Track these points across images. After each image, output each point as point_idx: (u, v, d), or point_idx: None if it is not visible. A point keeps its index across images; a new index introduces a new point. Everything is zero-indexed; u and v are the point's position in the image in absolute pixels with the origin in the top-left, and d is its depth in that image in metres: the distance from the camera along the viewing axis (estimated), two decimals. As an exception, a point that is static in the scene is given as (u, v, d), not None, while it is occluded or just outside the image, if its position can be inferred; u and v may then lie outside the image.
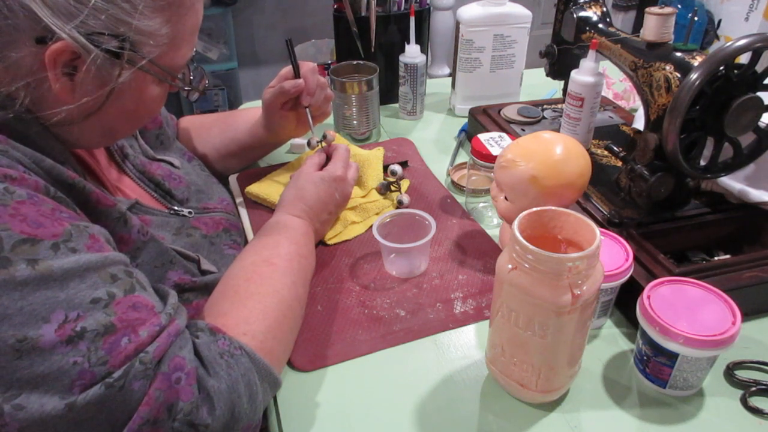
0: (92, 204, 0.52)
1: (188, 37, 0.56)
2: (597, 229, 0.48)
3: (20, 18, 0.46)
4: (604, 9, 0.87)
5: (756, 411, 0.55)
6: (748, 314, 0.64)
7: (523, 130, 0.98)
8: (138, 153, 0.72)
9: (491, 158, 0.76)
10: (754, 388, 0.57)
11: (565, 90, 0.93)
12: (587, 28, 0.86)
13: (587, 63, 0.82)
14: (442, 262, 0.75)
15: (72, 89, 0.50)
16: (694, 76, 0.61)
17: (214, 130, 0.94)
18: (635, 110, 1.10)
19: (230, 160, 0.94)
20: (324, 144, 0.83)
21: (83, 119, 0.53)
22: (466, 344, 0.64)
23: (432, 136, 1.09)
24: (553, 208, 0.52)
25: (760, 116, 0.65)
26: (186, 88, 0.61)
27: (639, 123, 0.96)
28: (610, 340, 0.64)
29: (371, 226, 0.76)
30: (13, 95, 0.49)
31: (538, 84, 1.26)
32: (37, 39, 0.46)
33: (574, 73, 0.84)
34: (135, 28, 0.50)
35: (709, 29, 2.05)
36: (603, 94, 1.01)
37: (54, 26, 0.46)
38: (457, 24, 1.07)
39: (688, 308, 0.55)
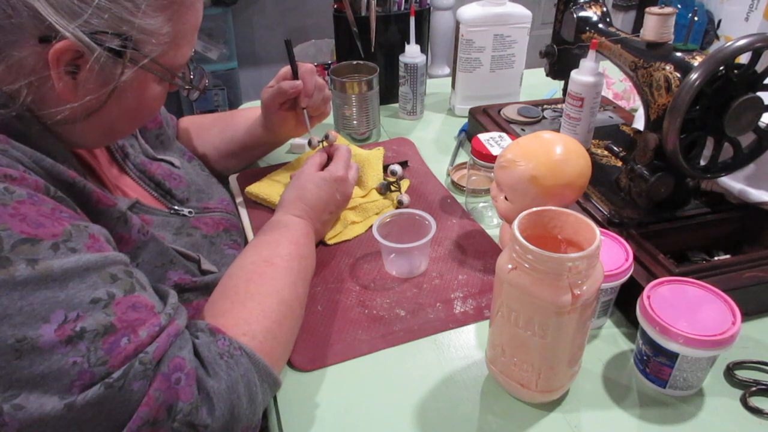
0: (92, 203, 0.52)
1: (189, 36, 0.56)
2: (597, 229, 0.48)
3: (24, 17, 0.46)
4: (604, 9, 0.87)
5: (756, 411, 0.55)
6: (748, 314, 0.64)
7: (523, 130, 0.98)
8: (138, 152, 0.72)
9: (491, 158, 0.76)
10: (754, 388, 0.57)
11: (565, 90, 0.93)
12: (587, 28, 0.86)
13: (587, 63, 0.82)
14: (442, 262, 0.75)
15: (74, 88, 0.50)
16: (694, 76, 0.61)
17: (214, 130, 0.94)
18: (635, 110, 1.10)
19: (230, 160, 0.94)
20: (325, 144, 0.83)
21: (84, 118, 0.53)
22: (466, 344, 0.64)
23: (432, 136, 1.09)
24: (553, 208, 0.52)
25: (760, 116, 0.65)
26: (186, 87, 0.61)
27: (639, 123, 0.96)
28: (610, 340, 0.64)
29: (371, 226, 0.76)
30: (14, 94, 0.49)
31: (538, 84, 1.26)
32: (40, 38, 0.47)
33: (574, 73, 0.84)
34: (137, 27, 0.50)
35: (709, 29, 2.06)
36: (603, 94, 1.01)
37: (57, 25, 0.46)
38: (457, 24, 1.07)
39: (688, 308, 0.55)
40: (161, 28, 0.52)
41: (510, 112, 1.02)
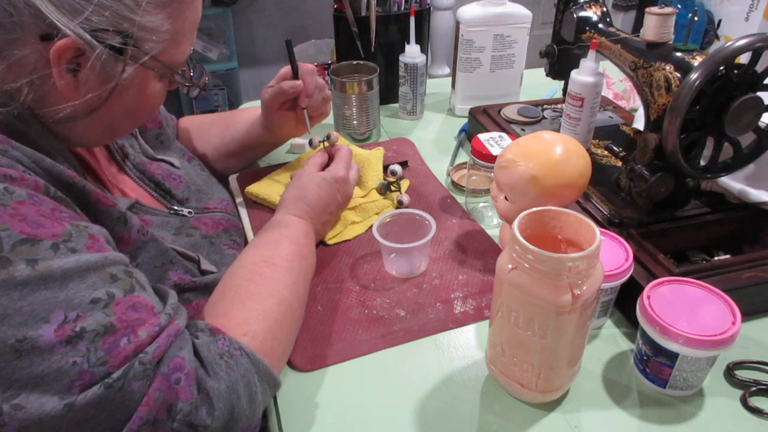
0: (92, 204, 0.52)
1: (188, 33, 0.56)
2: (597, 229, 0.48)
3: (25, 15, 0.46)
4: (604, 9, 0.87)
5: (756, 411, 0.55)
6: (748, 314, 0.64)
7: (523, 130, 0.98)
8: (138, 153, 0.72)
9: (491, 158, 0.76)
10: (754, 388, 0.57)
11: (565, 90, 0.93)
12: (587, 28, 0.86)
13: (587, 63, 0.82)
14: (442, 262, 0.75)
15: (75, 86, 0.50)
16: (694, 76, 0.61)
17: (214, 130, 0.94)
18: (635, 110, 1.10)
19: (230, 160, 0.94)
20: (327, 144, 0.83)
21: (85, 116, 0.53)
22: (466, 344, 0.64)
23: (432, 136, 1.09)
24: (553, 208, 0.52)
25: (760, 116, 0.65)
26: (186, 85, 0.61)
27: (639, 123, 0.96)
28: (610, 340, 0.64)
29: (371, 226, 0.76)
30: (15, 93, 0.49)
31: (538, 84, 1.26)
32: (41, 36, 0.47)
33: (574, 73, 0.84)
34: (138, 25, 0.50)
35: (709, 29, 2.06)
36: (603, 94, 1.01)
37: (59, 23, 0.46)
38: (457, 24, 1.07)
39: (688, 308, 0.55)
40: (161, 25, 0.52)
41: (510, 112, 1.02)
